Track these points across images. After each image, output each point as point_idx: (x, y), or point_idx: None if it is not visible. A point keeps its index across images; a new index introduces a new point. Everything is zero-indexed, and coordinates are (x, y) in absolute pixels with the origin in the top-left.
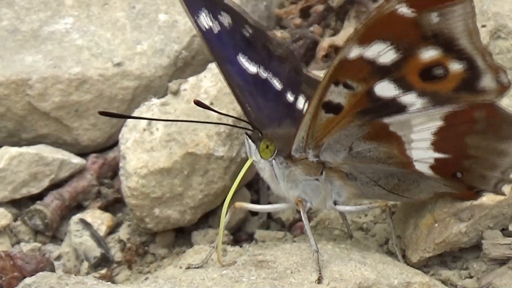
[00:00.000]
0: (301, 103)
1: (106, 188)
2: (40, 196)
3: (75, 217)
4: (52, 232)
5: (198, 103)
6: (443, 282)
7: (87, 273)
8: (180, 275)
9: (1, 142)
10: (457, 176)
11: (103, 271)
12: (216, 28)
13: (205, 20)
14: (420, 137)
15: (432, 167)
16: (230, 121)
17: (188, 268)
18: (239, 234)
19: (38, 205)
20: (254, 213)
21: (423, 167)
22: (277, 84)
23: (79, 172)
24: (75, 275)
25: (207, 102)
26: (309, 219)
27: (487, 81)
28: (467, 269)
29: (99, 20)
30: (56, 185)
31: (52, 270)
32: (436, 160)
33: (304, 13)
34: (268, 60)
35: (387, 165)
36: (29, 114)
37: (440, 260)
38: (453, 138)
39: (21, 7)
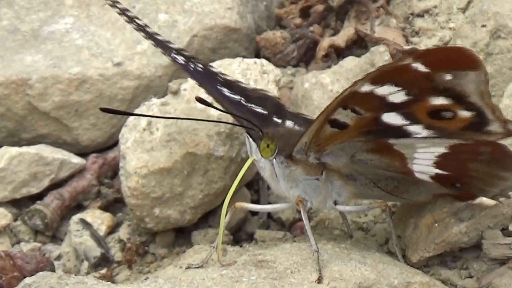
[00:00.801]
0: (290, 125)
1: (106, 188)
2: (40, 196)
3: (75, 217)
4: (52, 232)
5: (199, 100)
6: (443, 282)
7: (87, 273)
8: (180, 275)
9: (1, 142)
10: (456, 186)
11: (103, 271)
12: (191, 66)
13: (179, 58)
14: (423, 156)
15: (432, 178)
16: (230, 120)
17: (188, 268)
18: (239, 234)
19: (38, 205)
20: (254, 213)
21: (423, 177)
22: (262, 111)
23: (79, 172)
24: (75, 275)
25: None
26: (309, 219)
27: (494, 127)
28: (467, 269)
29: (99, 20)
30: (56, 185)
31: (52, 270)
32: (437, 174)
33: (304, 13)
34: (248, 98)
35: (388, 172)
36: (29, 114)
37: (440, 260)
38: (455, 162)
39: (21, 7)
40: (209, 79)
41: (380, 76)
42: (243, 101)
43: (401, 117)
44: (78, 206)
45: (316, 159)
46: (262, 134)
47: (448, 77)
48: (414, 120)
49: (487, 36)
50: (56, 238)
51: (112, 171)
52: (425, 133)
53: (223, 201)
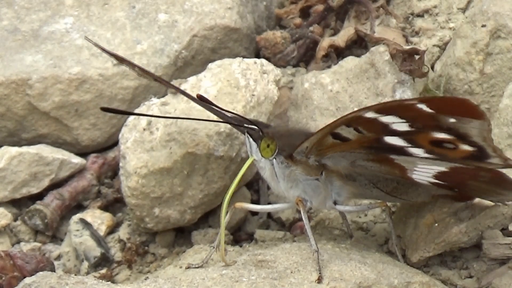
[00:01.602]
0: None
1: (106, 188)
2: (40, 196)
3: (75, 217)
4: (52, 231)
5: (201, 97)
6: (443, 282)
7: (87, 273)
8: (180, 274)
9: (1, 142)
10: (455, 190)
11: (103, 271)
12: None
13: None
14: (423, 170)
15: (432, 184)
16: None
17: (188, 267)
18: (239, 234)
19: (38, 205)
20: (254, 213)
21: (423, 182)
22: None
23: (79, 172)
24: (75, 274)
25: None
26: (309, 218)
27: (495, 160)
28: (467, 268)
29: (99, 20)
30: (56, 184)
31: (52, 269)
32: (437, 182)
33: (304, 13)
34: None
35: (387, 176)
36: (29, 114)
37: (440, 260)
38: (455, 178)
39: (21, 6)
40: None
41: (385, 109)
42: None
43: (403, 141)
44: (78, 206)
45: (316, 161)
46: (262, 134)
47: (452, 120)
48: (415, 145)
49: (487, 36)
50: (56, 238)
51: (112, 171)
52: (426, 155)
53: (223, 200)
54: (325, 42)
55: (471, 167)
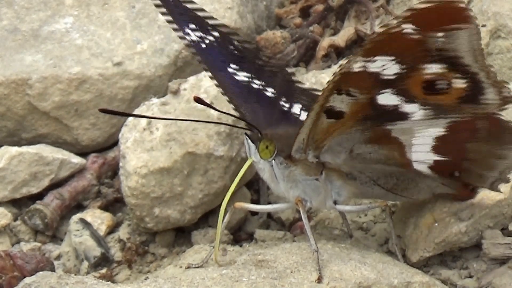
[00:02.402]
0: (296, 110)
1: (106, 187)
2: (40, 196)
3: (75, 217)
4: (52, 231)
5: (197, 100)
6: (443, 281)
7: (87, 273)
8: (180, 274)
9: (1, 141)
10: (455, 175)
11: (103, 271)
12: (205, 41)
13: (193, 33)
14: (421, 142)
15: (430, 167)
16: (230, 120)
17: (188, 267)
18: (239, 234)
19: (38, 205)
20: (254, 213)
21: (422, 167)
22: (270, 93)
23: (79, 171)
24: (75, 274)
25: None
26: (309, 218)
27: (490, 95)
28: (467, 268)
29: (99, 20)
30: (56, 184)
31: (52, 269)
32: (435, 161)
33: (304, 12)
34: (259, 71)
35: (386, 165)
36: (29, 114)
37: (440, 260)
38: (453, 143)
39: (21, 6)
40: (221, 57)
41: (371, 48)
42: (253, 81)
43: (396, 96)
44: (78, 206)
45: (315, 157)
46: (260, 136)
47: (440, 39)
48: (409, 97)
49: (487, 36)
50: (56, 237)
51: (112, 171)
52: (421, 112)
53: (223, 200)
54: (325, 42)
55: (467, 118)
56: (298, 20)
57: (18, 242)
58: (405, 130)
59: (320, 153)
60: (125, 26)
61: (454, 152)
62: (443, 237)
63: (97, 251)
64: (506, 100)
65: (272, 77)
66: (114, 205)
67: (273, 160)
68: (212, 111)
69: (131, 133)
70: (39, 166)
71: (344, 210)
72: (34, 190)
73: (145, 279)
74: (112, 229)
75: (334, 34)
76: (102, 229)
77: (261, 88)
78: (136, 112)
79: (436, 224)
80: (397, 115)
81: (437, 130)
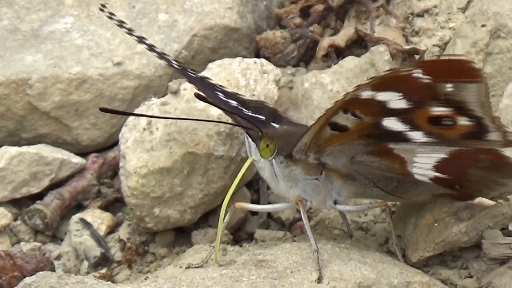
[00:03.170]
0: None
1: (106, 187)
2: (40, 196)
3: (75, 217)
4: (52, 231)
5: (198, 96)
6: (443, 281)
7: (87, 273)
8: (180, 274)
9: (1, 141)
10: (455, 187)
11: (103, 271)
12: (187, 73)
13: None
14: (422, 161)
15: (431, 179)
16: (230, 120)
17: (188, 267)
18: (239, 234)
19: (38, 205)
20: (254, 213)
21: (422, 178)
22: (259, 116)
23: (79, 171)
24: (75, 274)
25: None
26: (309, 218)
27: (494, 136)
28: (467, 268)
29: (99, 20)
30: (56, 184)
31: (52, 269)
32: (436, 177)
33: (304, 12)
34: (245, 106)
35: (387, 172)
36: (29, 114)
37: (440, 260)
38: (455, 167)
39: (21, 6)
40: (205, 86)
41: (381, 83)
42: (241, 107)
43: (402, 123)
44: (78, 206)
45: (316, 159)
46: (261, 134)
47: (449, 87)
48: (414, 126)
49: (487, 35)
50: (56, 237)
51: (112, 171)
52: (425, 139)
53: (223, 200)
54: (325, 42)
55: (470, 149)
56: (298, 20)
57: (18, 242)
58: (407, 150)
59: (321, 156)
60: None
61: (455, 173)
62: (443, 237)
63: (97, 251)
64: (510, 141)
65: (258, 110)
66: (114, 205)
67: (274, 159)
68: (213, 110)
69: (131, 133)
70: (39, 166)
71: (344, 210)
72: (34, 190)
73: (145, 279)
74: (112, 229)
75: (334, 34)
76: (102, 229)
77: (250, 113)
78: (136, 112)
79: (436, 224)
80: (400, 137)
81: (440, 155)
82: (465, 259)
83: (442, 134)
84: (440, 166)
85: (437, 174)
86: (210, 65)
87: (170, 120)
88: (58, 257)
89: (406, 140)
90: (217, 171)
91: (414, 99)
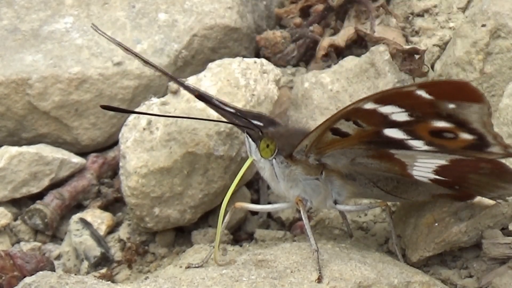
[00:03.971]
0: None
1: (106, 187)
2: (40, 196)
3: (75, 217)
4: (52, 231)
5: (199, 96)
6: (443, 281)
7: (87, 273)
8: (180, 274)
9: (1, 141)
10: (455, 188)
11: (103, 271)
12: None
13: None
14: (423, 165)
15: (432, 180)
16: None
17: (188, 267)
18: (239, 234)
19: (38, 205)
20: (254, 213)
21: (423, 179)
22: (257, 123)
23: (79, 171)
24: (75, 274)
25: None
26: (309, 218)
27: (495, 149)
28: (467, 268)
29: (99, 20)
30: (56, 184)
31: (52, 269)
32: (436, 179)
33: (304, 12)
34: (243, 114)
35: (387, 173)
36: (29, 114)
37: (440, 260)
38: (455, 172)
39: (21, 6)
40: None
41: (384, 98)
42: (238, 114)
43: (403, 133)
44: (78, 206)
45: (316, 160)
46: (261, 134)
47: (451, 106)
48: (415, 137)
49: (487, 35)
50: (56, 237)
51: (112, 171)
52: (426, 148)
53: (223, 200)
54: (325, 42)
55: (471, 158)
56: (298, 20)
57: (18, 242)
58: (408, 155)
59: (321, 157)
60: (125, 25)
61: (455, 177)
62: (443, 237)
63: (97, 251)
64: (511, 154)
65: (256, 118)
66: (114, 205)
67: (274, 159)
68: (212, 110)
69: (131, 133)
70: (39, 166)
71: (344, 210)
72: (34, 190)
73: (145, 279)
74: (112, 229)
75: (334, 34)
76: (102, 229)
77: (248, 119)
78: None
79: (436, 224)
80: (401, 145)
81: (440, 161)
82: (465, 259)
83: (443, 144)
84: (440, 170)
85: (437, 177)
86: (210, 65)
87: (170, 120)
88: (58, 257)
89: (407, 147)
90: (217, 171)
91: (416, 114)
